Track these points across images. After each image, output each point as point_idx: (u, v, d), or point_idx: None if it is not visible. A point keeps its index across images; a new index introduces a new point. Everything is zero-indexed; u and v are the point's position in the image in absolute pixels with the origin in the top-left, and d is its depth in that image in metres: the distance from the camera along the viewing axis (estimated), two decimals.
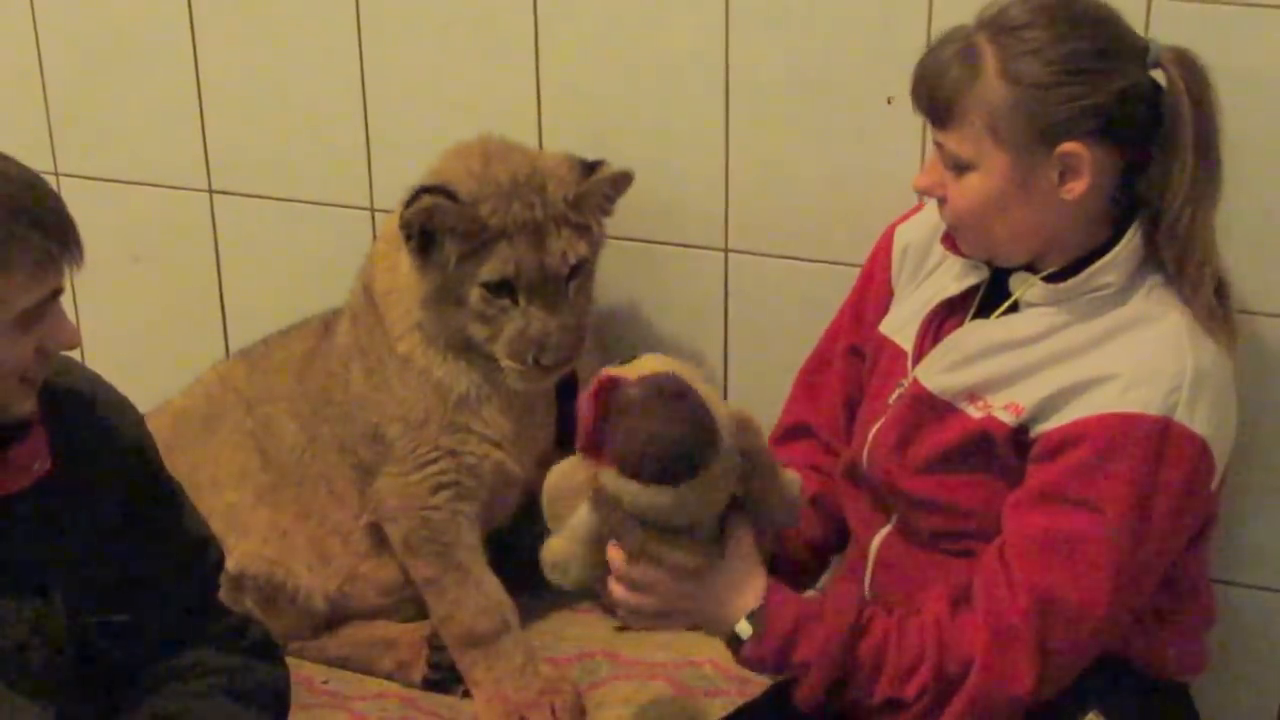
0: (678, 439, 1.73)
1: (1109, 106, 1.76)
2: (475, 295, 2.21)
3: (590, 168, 2.26)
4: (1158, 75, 1.80)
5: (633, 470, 1.73)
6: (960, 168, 1.82)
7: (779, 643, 1.82)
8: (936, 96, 1.81)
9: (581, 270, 2.25)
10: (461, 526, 2.36)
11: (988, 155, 1.79)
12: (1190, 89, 1.77)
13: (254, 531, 2.44)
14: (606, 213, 2.30)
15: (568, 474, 1.88)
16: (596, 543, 1.85)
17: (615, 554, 1.84)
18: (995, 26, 1.79)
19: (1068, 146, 1.76)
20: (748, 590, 1.84)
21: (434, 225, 2.19)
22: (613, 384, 1.77)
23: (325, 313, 2.53)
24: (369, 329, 2.38)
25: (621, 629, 2.32)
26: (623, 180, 2.27)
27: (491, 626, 2.34)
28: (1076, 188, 1.78)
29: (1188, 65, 1.79)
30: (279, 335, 2.56)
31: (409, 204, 2.19)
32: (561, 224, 2.22)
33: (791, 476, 1.91)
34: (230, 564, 2.34)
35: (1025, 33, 1.76)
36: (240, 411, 2.50)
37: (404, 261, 2.27)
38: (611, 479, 1.75)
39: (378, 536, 2.43)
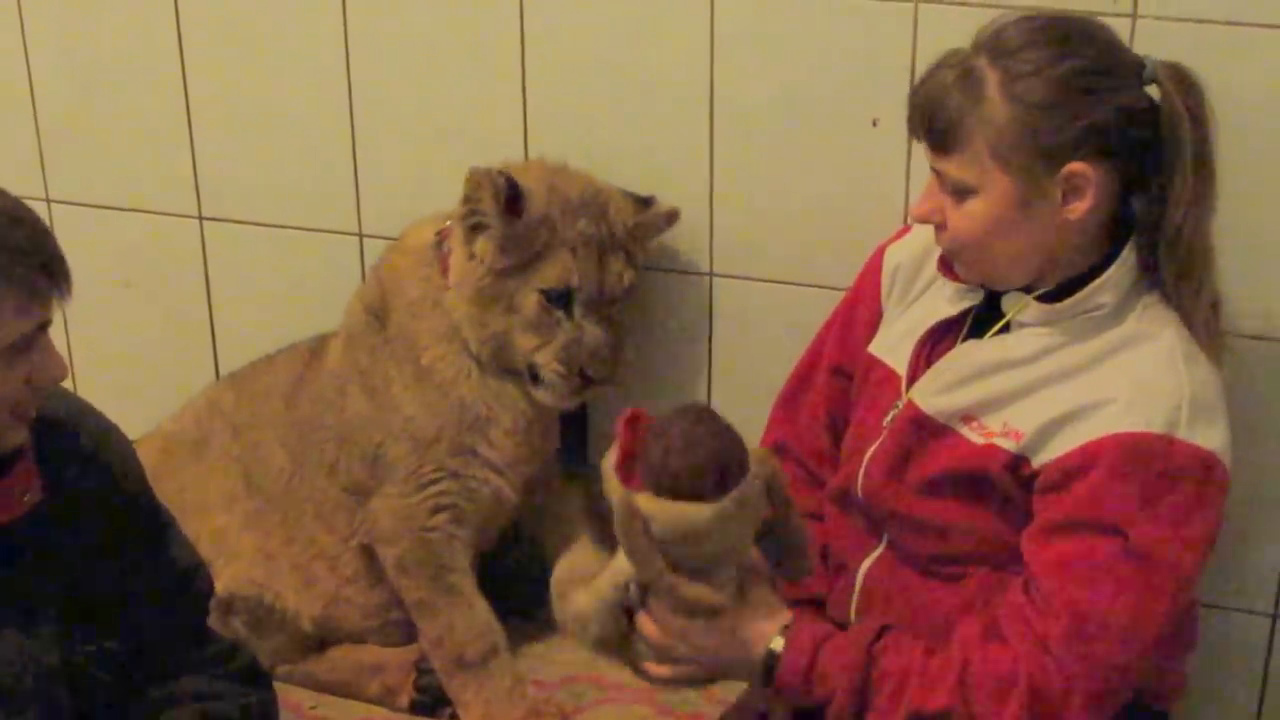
0: (712, 452, 1.74)
1: (1110, 124, 1.75)
2: (532, 301, 2.25)
3: (643, 202, 2.33)
4: (1152, 91, 1.80)
5: (670, 486, 1.73)
6: (961, 193, 1.81)
7: (809, 654, 1.79)
8: (937, 122, 1.79)
9: (627, 296, 2.30)
10: (456, 550, 2.37)
11: (991, 179, 1.78)
12: (1187, 104, 1.77)
13: (242, 555, 2.44)
14: (648, 247, 2.36)
15: (577, 564, 1.90)
16: (620, 603, 1.84)
17: (645, 621, 1.83)
18: (993, 49, 1.78)
19: (1073, 166, 1.75)
20: (775, 618, 1.83)
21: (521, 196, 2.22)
22: (644, 413, 1.78)
23: (311, 339, 2.53)
24: (371, 349, 2.39)
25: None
26: (673, 217, 2.34)
27: (481, 650, 2.34)
28: (1080, 207, 1.78)
29: (1183, 80, 1.78)
30: (265, 361, 2.57)
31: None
32: (619, 248, 2.28)
33: (803, 523, 1.89)
34: (220, 587, 2.33)
35: (1024, 54, 1.75)
36: (227, 436, 2.51)
37: (456, 261, 2.29)
38: (645, 502, 1.73)
39: (364, 560, 2.44)
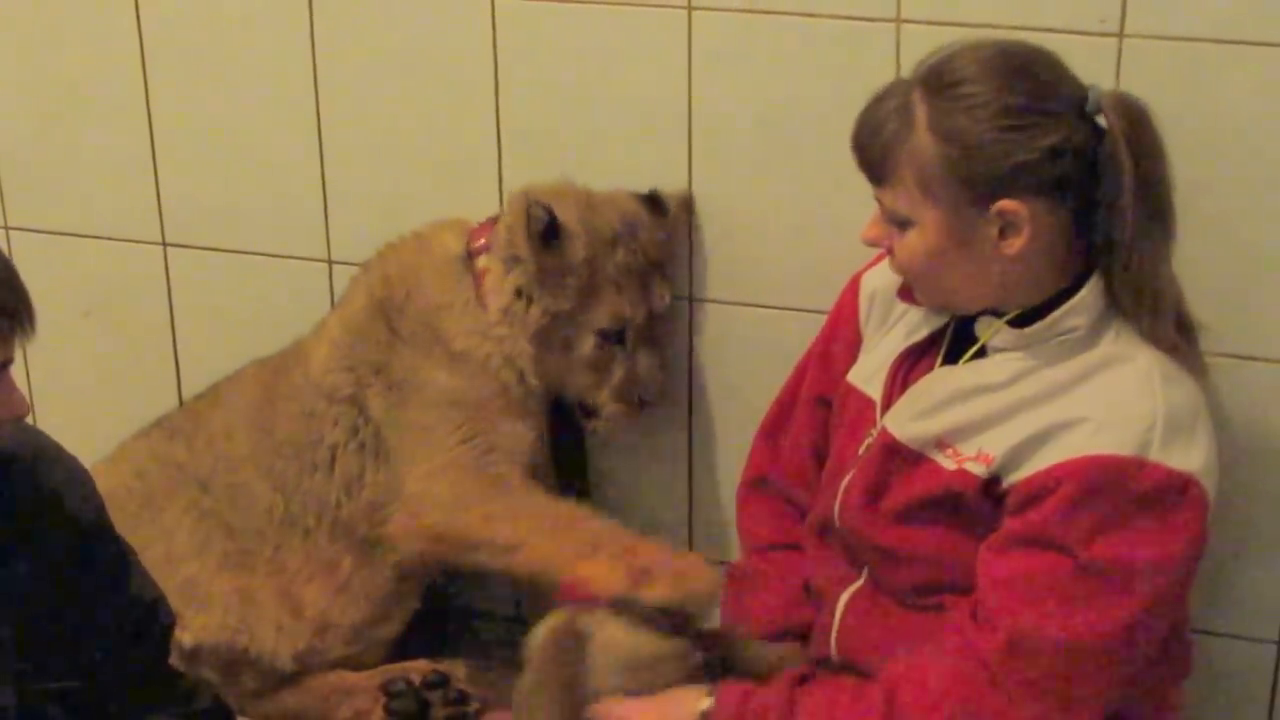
0: None
1: (1043, 162, 1.75)
2: (590, 344, 2.28)
3: (652, 202, 2.33)
4: (1100, 120, 1.79)
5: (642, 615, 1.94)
6: (901, 223, 1.82)
7: (739, 697, 1.85)
8: (871, 152, 1.82)
9: (667, 312, 2.35)
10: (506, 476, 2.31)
11: (922, 212, 1.79)
12: (1129, 133, 1.76)
13: (215, 601, 2.39)
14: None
15: None
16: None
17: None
18: (932, 82, 1.78)
19: (1004, 204, 1.75)
20: (699, 691, 1.89)
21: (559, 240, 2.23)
22: None
23: (252, 366, 2.50)
24: (383, 345, 2.35)
25: None
26: (687, 205, 2.36)
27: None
28: (1016, 244, 1.77)
29: (1127, 110, 1.77)
30: (204, 403, 2.52)
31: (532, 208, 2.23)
32: (655, 268, 2.33)
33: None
34: (187, 639, 2.33)
35: (961, 88, 1.76)
36: (193, 490, 2.45)
37: (494, 292, 2.29)
38: (613, 628, 1.91)
39: (359, 556, 2.38)
